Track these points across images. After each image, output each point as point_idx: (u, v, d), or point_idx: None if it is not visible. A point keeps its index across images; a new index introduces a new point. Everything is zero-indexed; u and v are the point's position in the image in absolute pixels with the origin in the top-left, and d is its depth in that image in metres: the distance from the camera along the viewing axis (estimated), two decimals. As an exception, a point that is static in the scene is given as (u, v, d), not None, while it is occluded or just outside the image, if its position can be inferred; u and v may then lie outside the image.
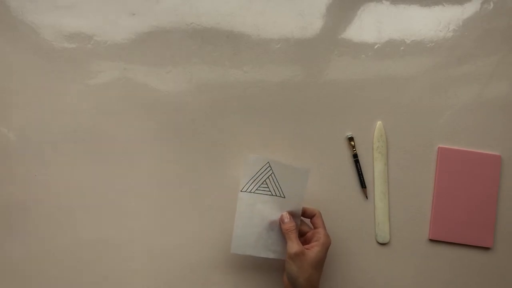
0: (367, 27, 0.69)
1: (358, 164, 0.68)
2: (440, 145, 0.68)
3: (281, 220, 0.61)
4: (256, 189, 0.61)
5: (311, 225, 0.63)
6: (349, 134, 0.68)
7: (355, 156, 0.68)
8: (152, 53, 0.68)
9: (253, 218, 0.61)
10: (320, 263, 0.58)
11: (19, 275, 0.66)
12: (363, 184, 0.68)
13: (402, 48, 0.69)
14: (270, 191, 0.62)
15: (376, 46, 0.69)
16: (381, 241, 0.68)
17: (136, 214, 0.67)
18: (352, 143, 0.68)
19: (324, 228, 0.61)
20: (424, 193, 0.69)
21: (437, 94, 0.69)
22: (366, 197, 0.68)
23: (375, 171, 0.68)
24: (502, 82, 0.70)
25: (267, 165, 0.62)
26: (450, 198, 0.68)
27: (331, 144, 0.68)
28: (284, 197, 0.62)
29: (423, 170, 0.69)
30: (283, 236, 0.61)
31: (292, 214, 0.61)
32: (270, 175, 0.62)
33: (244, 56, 0.68)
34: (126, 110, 0.67)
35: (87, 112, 0.67)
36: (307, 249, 0.58)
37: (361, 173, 0.68)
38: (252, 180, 0.61)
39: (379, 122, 0.69)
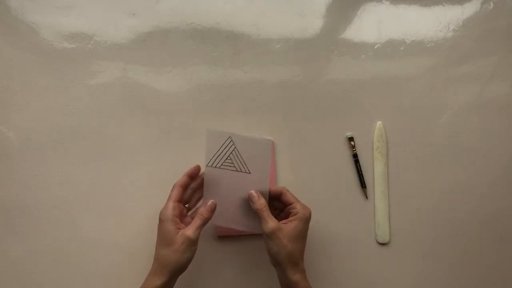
0: (367, 27, 0.69)
1: (358, 164, 0.68)
2: None
3: (250, 200, 0.59)
4: (222, 165, 0.60)
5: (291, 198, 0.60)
6: (349, 134, 0.68)
7: (355, 156, 0.68)
8: (152, 53, 0.68)
9: (220, 192, 0.60)
10: (299, 237, 0.56)
11: (19, 275, 0.66)
12: (363, 184, 0.68)
13: (402, 48, 0.69)
14: (235, 166, 0.60)
15: (376, 46, 0.69)
16: (381, 241, 0.68)
17: (136, 214, 0.67)
18: (352, 143, 0.68)
19: (298, 201, 0.58)
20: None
21: (437, 94, 0.69)
22: (366, 197, 0.68)
23: (375, 171, 0.68)
24: (502, 82, 0.70)
25: (229, 139, 0.60)
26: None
27: (331, 144, 0.68)
28: (250, 173, 0.60)
29: (423, 170, 0.69)
30: (252, 212, 0.59)
31: (260, 190, 0.59)
32: (233, 150, 0.60)
33: (244, 56, 0.68)
34: (126, 110, 0.67)
35: (87, 112, 0.67)
36: (284, 223, 0.57)
37: (361, 173, 0.68)
38: (216, 156, 0.60)
39: (379, 122, 0.69)
